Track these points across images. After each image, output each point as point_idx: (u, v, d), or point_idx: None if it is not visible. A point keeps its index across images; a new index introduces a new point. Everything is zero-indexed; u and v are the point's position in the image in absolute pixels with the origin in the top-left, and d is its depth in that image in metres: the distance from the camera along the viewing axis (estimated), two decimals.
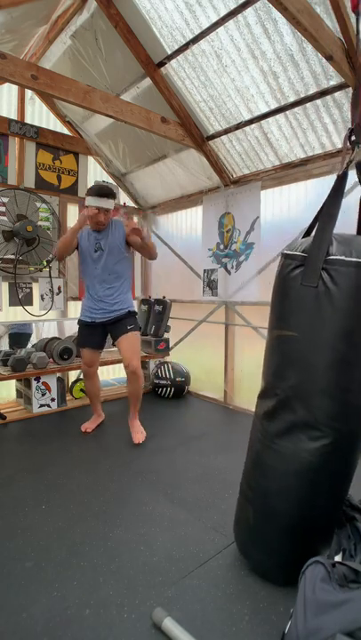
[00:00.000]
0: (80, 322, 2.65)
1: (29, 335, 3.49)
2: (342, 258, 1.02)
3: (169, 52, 2.64)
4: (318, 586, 0.97)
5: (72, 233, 2.41)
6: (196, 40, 2.44)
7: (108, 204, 2.38)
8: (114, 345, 2.64)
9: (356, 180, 1.14)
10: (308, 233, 1.24)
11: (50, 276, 3.37)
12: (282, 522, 1.29)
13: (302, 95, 2.41)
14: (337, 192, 1.06)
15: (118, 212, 2.29)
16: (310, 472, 1.21)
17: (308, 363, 1.16)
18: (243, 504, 1.44)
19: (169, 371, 3.67)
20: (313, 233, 1.14)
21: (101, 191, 2.37)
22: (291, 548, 1.29)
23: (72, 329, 3.76)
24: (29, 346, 3.41)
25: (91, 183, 3.75)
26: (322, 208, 1.11)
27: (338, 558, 1.12)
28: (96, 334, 2.60)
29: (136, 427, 2.64)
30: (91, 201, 2.36)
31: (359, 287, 1.03)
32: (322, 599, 0.94)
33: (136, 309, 2.70)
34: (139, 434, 2.59)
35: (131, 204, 4.15)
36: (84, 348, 2.64)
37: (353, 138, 1.05)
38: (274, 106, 2.57)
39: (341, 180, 1.05)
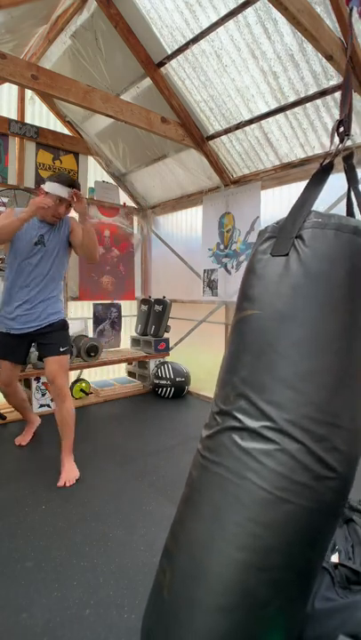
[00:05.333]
0: None
1: None
2: (319, 220, 0.90)
3: (169, 52, 2.64)
4: (323, 595, 0.97)
5: (20, 222, 1.98)
6: (196, 40, 2.44)
7: (69, 195, 2.08)
8: (40, 360, 2.41)
9: None
10: None
11: None
12: (213, 595, 0.80)
13: (302, 95, 2.41)
14: (319, 180, 0.95)
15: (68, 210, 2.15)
16: (260, 509, 0.80)
17: (266, 343, 0.89)
18: (160, 568, 0.97)
19: (169, 371, 3.67)
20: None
21: (70, 180, 2.08)
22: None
23: (72, 329, 3.75)
24: None
25: (91, 183, 3.77)
26: (302, 195, 0.99)
27: (334, 559, 1.12)
28: (22, 346, 2.22)
29: (67, 465, 2.10)
30: (56, 188, 2.03)
31: (338, 249, 0.88)
32: (327, 607, 0.94)
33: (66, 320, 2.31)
34: (68, 473, 2.06)
35: (131, 203, 4.15)
36: (3, 361, 2.22)
37: (341, 129, 1.00)
38: (274, 106, 2.57)
39: (326, 170, 0.94)
